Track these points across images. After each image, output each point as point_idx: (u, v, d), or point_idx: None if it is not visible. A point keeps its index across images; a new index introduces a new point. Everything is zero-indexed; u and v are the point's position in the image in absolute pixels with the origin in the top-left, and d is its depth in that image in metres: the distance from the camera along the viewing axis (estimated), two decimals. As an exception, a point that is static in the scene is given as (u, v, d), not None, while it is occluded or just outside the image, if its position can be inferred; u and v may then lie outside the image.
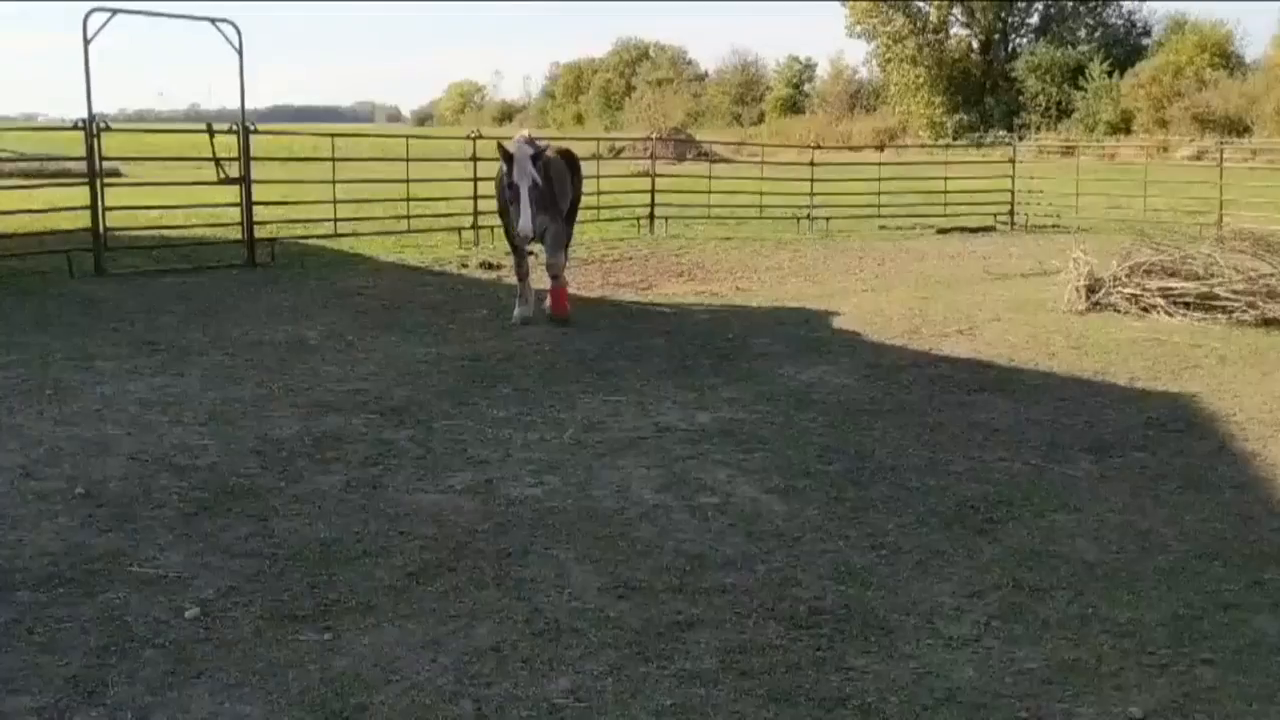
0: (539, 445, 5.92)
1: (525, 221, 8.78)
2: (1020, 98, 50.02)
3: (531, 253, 9.90)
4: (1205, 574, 4.32)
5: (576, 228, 15.74)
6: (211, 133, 12.53)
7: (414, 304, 10.37)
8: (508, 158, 9.03)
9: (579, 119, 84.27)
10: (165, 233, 13.36)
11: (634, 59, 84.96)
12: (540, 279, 10.08)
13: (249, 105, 12.94)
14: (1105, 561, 4.45)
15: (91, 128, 11.85)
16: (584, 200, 16.58)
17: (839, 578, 4.28)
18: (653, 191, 17.18)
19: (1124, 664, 3.58)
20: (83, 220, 12.05)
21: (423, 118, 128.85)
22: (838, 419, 6.54)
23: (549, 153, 9.73)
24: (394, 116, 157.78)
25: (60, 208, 12.46)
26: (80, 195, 12.16)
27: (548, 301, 9.76)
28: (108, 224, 12.20)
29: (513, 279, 10.16)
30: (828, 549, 4.57)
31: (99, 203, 11.96)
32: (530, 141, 9.17)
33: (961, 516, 4.96)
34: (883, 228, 18.16)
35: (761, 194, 18.27)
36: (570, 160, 10.48)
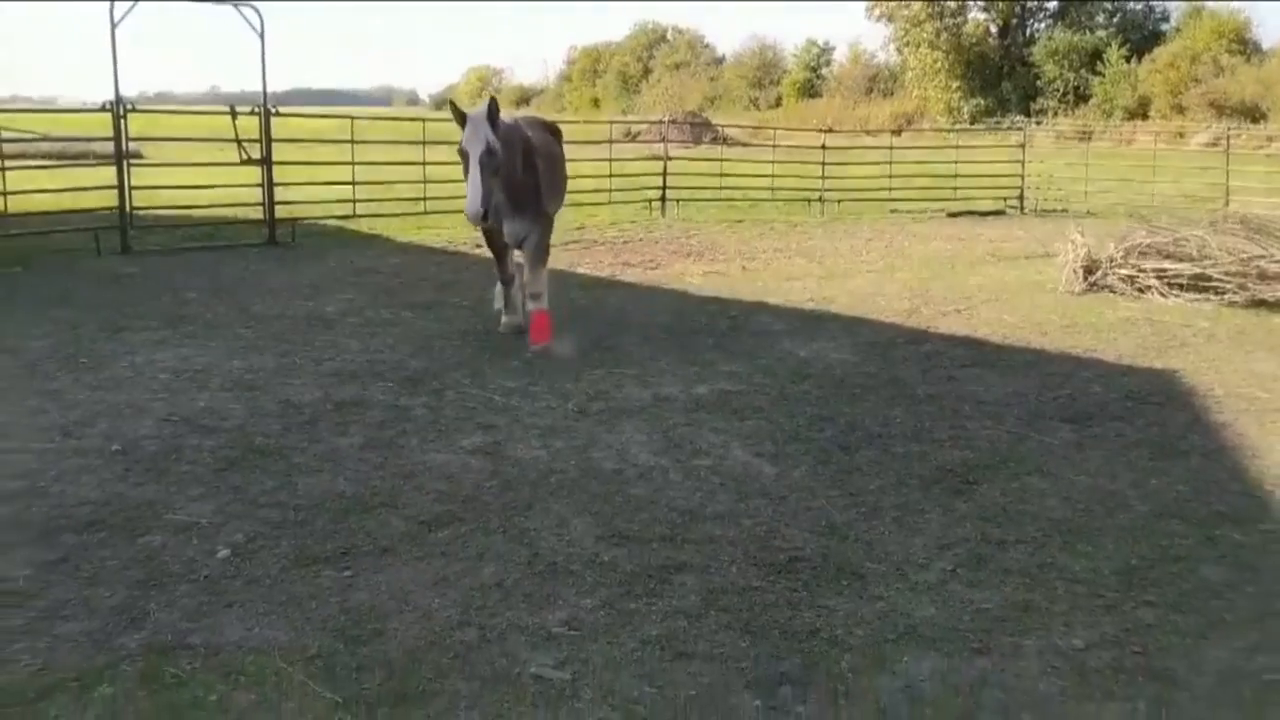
0: (545, 412, 6.26)
1: (473, 199, 6.89)
2: (1038, 82, 49.96)
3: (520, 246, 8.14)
4: (1162, 530, 4.64)
5: (586, 210, 16.19)
6: (234, 115, 12.89)
7: (429, 282, 10.71)
8: (461, 119, 7.14)
9: (595, 103, 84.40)
10: (188, 212, 13.71)
11: (651, 42, 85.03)
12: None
13: (268, 87, 13.27)
14: (1070, 519, 4.77)
15: (118, 110, 12.23)
16: (597, 182, 17.07)
17: (819, 531, 4.60)
18: (664, 174, 17.46)
19: (1074, 605, 3.91)
20: (108, 199, 12.44)
21: (440, 101, 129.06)
22: (831, 391, 6.85)
23: (526, 128, 7.87)
24: (412, 100, 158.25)
25: (87, 187, 12.84)
26: (106, 175, 12.56)
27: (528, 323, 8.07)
28: (133, 203, 12.58)
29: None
30: (811, 506, 4.89)
31: (125, 183, 12.36)
32: (492, 114, 7.11)
33: (940, 479, 5.28)
34: (893, 211, 18.41)
35: (773, 177, 18.54)
36: (554, 132, 8.77)
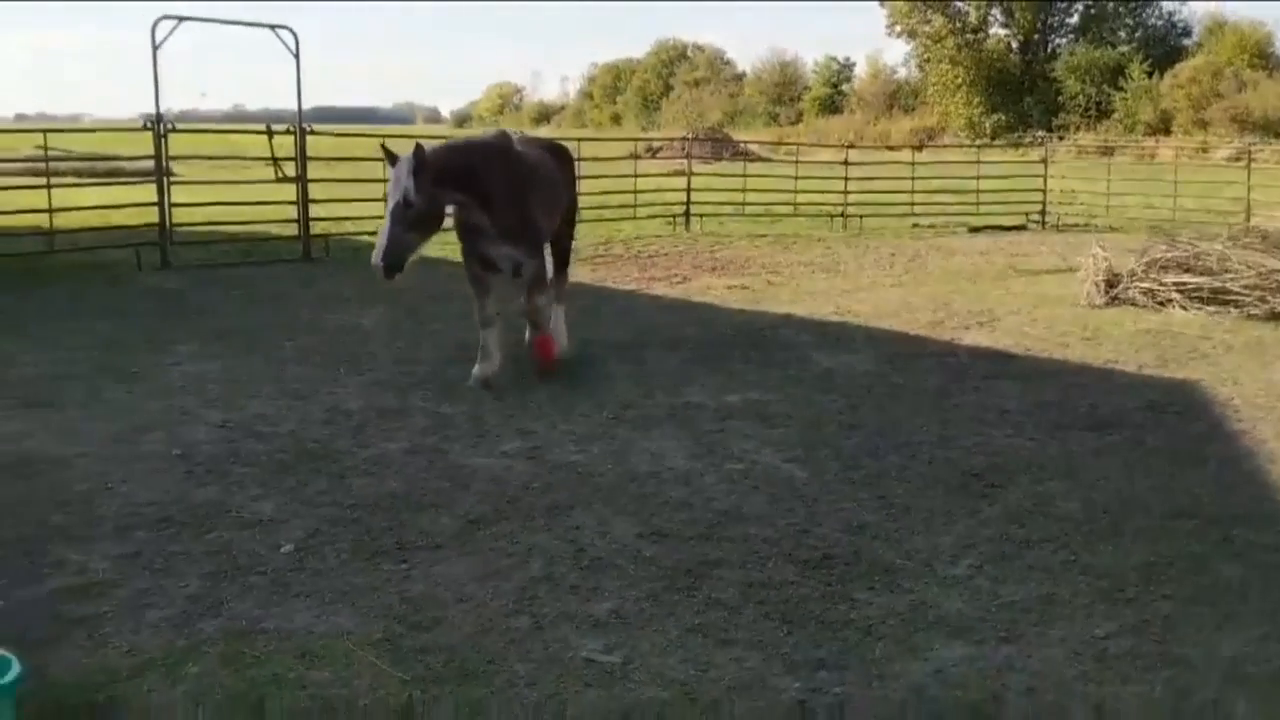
0: (581, 419, 6.50)
1: (378, 250, 6.56)
2: (1059, 98, 50.06)
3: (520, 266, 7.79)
4: (1180, 530, 4.82)
5: (611, 226, 16.47)
6: (270, 134, 13.24)
7: (461, 296, 10.93)
8: (392, 160, 6.95)
9: (616, 119, 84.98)
10: (225, 228, 14.06)
11: (672, 59, 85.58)
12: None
13: (292, 106, 13.65)
14: (1091, 520, 4.96)
15: (159, 128, 12.60)
16: (621, 198, 17.36)
17: (850, 530, 4.81)
18: (688, 190, 17.73)
19: (1095, 598, 4.10)
20: (148, 216, 12.79)
21: (462, 119, 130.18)
22: (858, 400, 7.06)
23: (519, 146, 7.70)
24: (433, 117, 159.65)
25: (127, 204, 13.21)
26: (145, 193, 12.94)
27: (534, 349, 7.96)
28: (173, 220, 12.93)
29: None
30: (842, 508, 5.10)
31: (166, 199, 12.72)
32: (418, 164, 6.68)
33: (966, 483, 5.47)
34: (915, 226, 18.59)
35: (796, 192, 18.78)
36: (561, 156, 8.50)
